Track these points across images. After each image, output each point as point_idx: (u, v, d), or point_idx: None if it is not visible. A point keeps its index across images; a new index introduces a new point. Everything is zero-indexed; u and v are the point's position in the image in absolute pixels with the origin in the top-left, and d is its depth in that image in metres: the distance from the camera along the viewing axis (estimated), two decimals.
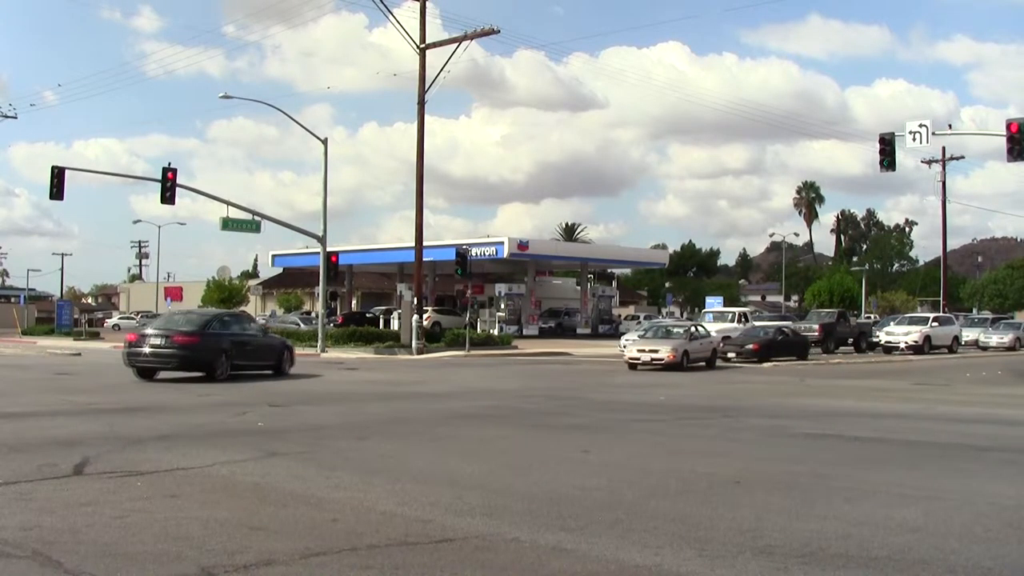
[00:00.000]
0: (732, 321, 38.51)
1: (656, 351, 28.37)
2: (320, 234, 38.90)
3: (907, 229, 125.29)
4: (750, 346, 33.36)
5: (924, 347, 39.62)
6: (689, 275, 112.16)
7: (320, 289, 40.61)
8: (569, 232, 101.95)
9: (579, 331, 57.68)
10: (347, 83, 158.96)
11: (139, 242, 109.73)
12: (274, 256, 67.59)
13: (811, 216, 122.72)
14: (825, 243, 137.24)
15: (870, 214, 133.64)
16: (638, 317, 70.03)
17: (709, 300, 59.46)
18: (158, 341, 21.60)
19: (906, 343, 39.62)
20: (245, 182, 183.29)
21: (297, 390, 19.73)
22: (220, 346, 22.11)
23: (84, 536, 6.68)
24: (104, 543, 6.50)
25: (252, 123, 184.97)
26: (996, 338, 46.08)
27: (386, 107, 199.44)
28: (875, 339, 41.85)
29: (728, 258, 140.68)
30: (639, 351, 28.83)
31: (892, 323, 43.60)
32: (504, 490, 8.61)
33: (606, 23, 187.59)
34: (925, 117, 53.13)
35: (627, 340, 34.55)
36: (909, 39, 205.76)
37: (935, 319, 42.92)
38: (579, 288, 62.63)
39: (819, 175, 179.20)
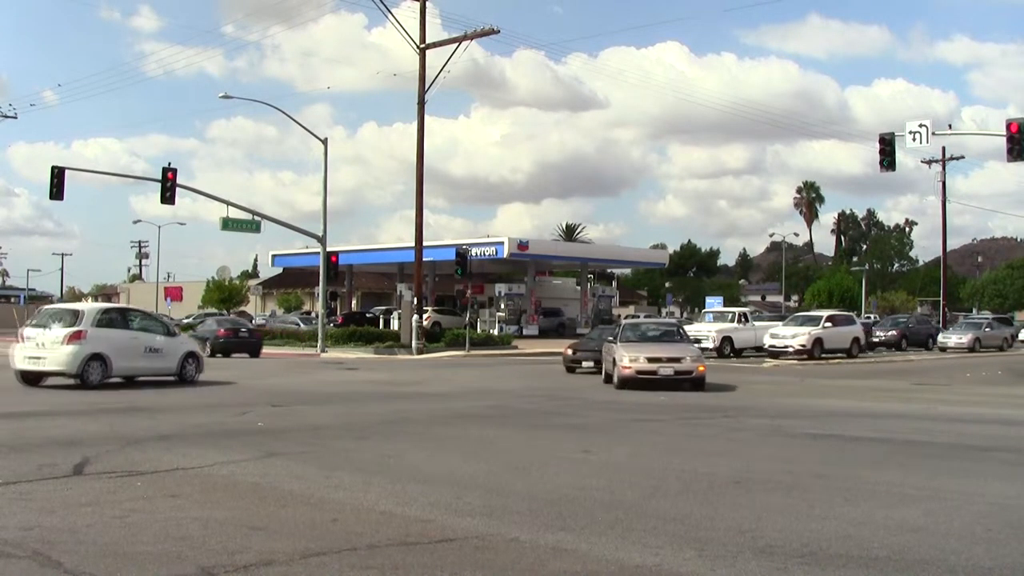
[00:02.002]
0: (732, 321, 37.95)
1: (679, 360, 20.55)
2: (320, 234, 38.91)
3: (907, 229, 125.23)
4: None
5: (814, 351, 34.16)
6: (689, 275, 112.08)
7: (320, 289, 40.60)
8: (569, 232, 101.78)
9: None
10: (347, 83, 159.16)
11: (139, 242, 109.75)
12: (274, 256, 67.53)
13: (811, 216, 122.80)
14: (825, 243, 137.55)
15: (870, 214, 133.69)
16: (638, 316, 70.01)
17: (709, 300, 59.50)
18: None
19: (793, 347, 34.26)
20: (245, 182, 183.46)
21: (297, 390, 19.74)
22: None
23: (84, 536, 6.68)
24: (104, 543, 6.50)
25: (252, 123, 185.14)
26: (955, 339, 42.93)
27: (386, 107, 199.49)
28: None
29: (728, 258, 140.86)
30: (649, 360, 20.44)
31: (781, 324, 37.73)
32: (504, 490, 8.61)
33: (606, 23, 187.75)
34: (925, 117, 53.07)
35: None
36: (909, 39, 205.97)
37: (828, 319, 36.64)
38: (579, 288, 62.62)
39: (819, 175, 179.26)
